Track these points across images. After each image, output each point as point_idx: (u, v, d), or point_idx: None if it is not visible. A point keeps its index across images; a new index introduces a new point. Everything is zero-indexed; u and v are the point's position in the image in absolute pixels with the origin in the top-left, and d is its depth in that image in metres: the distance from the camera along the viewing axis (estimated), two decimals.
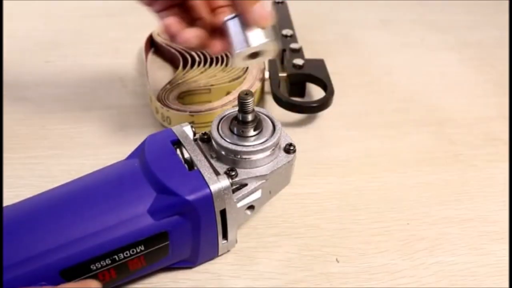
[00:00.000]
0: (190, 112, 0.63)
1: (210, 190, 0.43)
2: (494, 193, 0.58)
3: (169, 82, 0.69)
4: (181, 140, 0.47)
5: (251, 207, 0.48)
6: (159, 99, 0.66)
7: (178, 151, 0.46)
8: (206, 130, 0.60)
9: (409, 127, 0.68)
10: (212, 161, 0.46)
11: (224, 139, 0.47)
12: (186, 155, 0.46)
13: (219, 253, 0.49)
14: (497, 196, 0.58)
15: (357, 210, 0.56)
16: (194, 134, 0.49)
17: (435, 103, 0.73)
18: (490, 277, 0.50)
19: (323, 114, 0.69)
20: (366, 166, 0.62)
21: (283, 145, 0.49)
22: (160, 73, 0.73)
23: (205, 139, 0.49)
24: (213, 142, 0.47)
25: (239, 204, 0.46)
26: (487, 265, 0.51)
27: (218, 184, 0.43)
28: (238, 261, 0.50)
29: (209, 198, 0.43)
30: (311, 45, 0.80)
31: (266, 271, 0.50)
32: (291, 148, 0.48)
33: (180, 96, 0.67)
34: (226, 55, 0.72)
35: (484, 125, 0.69)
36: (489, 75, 0.80)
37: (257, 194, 0.47)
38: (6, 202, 0.53)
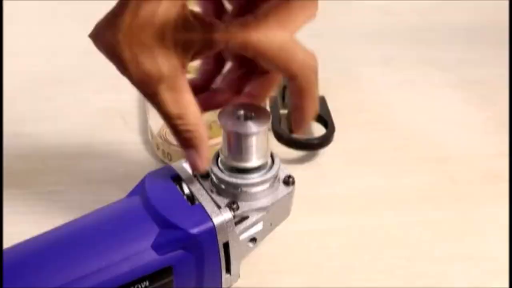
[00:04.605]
0: None
1: (213, 223, 0.43)
2: (496, 231, 0.58)
3: None
4: (181, 175, 0.47)
5: (253, 240, 0.47)
6: (160, 135, 0.66)
7: (178, 187, 0.46)
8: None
9: (410, 164, 0.68)
10: (213, 196, 0.46)
11: (224, 173, 0.47)
12: (186, 191, 0.46)
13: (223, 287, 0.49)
14: (498, 234, 0.58)
15: (358, 248, 0.56)
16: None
17: (436, 141, 0.73)
18: None
19: (324, 151, 0.69)
20: (368, 203, 0.61)
21: (282, 177, 0.49)
22: None
23: (204, 175, 0.48)
24: (213, 177, 0.47)
25: (242, 237, 0.46)
26: None
27: (220, 217, 0.43)
28: None
29: (212, 231, 0.43)
30: None
31: None
32: (290, 179, 0.48)
33: None
34: None
35: (485, 163, 0.69)
36: (490, 113, 0.80)
37: (259, 226, 0.47)
38: (7, 239, 0.53)
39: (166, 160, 0.65)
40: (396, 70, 0.91)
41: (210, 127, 0.67)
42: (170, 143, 0.64)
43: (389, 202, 0.62)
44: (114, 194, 0.58)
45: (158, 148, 0.66)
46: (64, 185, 0.63)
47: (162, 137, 0.65)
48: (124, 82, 0.77)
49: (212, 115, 0.68)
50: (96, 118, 0.75)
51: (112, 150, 0.69)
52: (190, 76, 0.48)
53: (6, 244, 0.51)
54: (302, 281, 0.52)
